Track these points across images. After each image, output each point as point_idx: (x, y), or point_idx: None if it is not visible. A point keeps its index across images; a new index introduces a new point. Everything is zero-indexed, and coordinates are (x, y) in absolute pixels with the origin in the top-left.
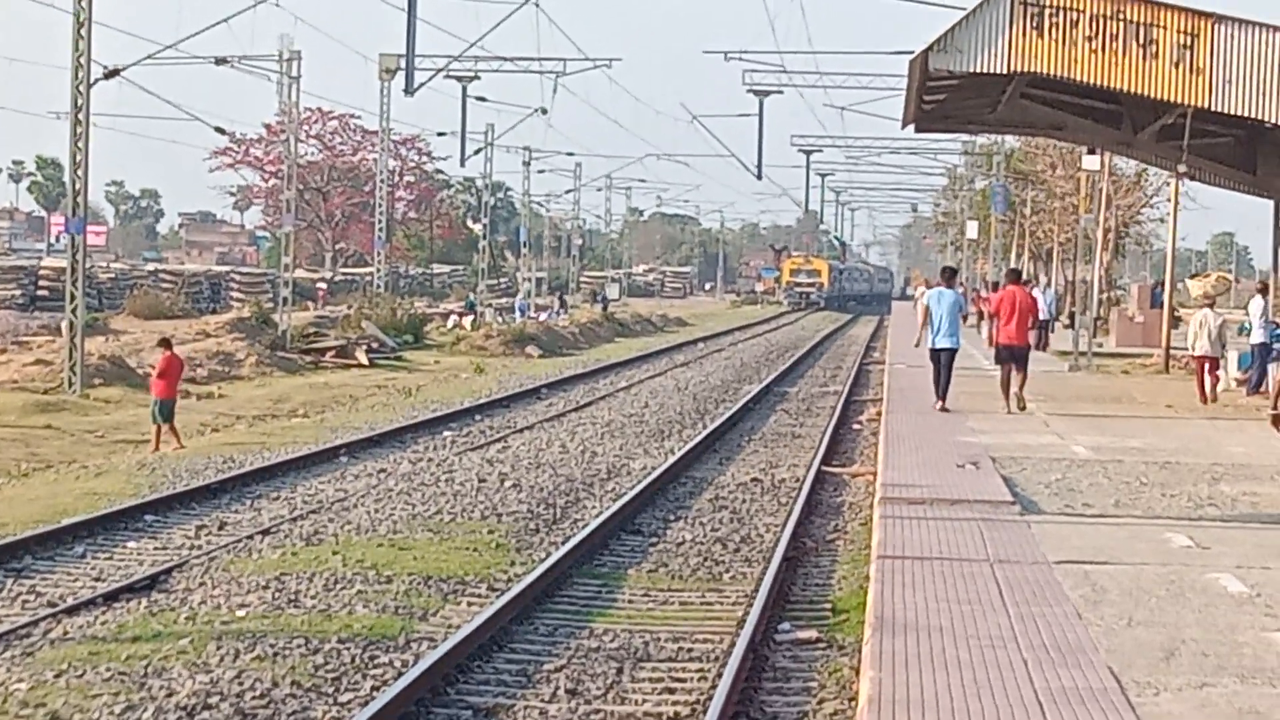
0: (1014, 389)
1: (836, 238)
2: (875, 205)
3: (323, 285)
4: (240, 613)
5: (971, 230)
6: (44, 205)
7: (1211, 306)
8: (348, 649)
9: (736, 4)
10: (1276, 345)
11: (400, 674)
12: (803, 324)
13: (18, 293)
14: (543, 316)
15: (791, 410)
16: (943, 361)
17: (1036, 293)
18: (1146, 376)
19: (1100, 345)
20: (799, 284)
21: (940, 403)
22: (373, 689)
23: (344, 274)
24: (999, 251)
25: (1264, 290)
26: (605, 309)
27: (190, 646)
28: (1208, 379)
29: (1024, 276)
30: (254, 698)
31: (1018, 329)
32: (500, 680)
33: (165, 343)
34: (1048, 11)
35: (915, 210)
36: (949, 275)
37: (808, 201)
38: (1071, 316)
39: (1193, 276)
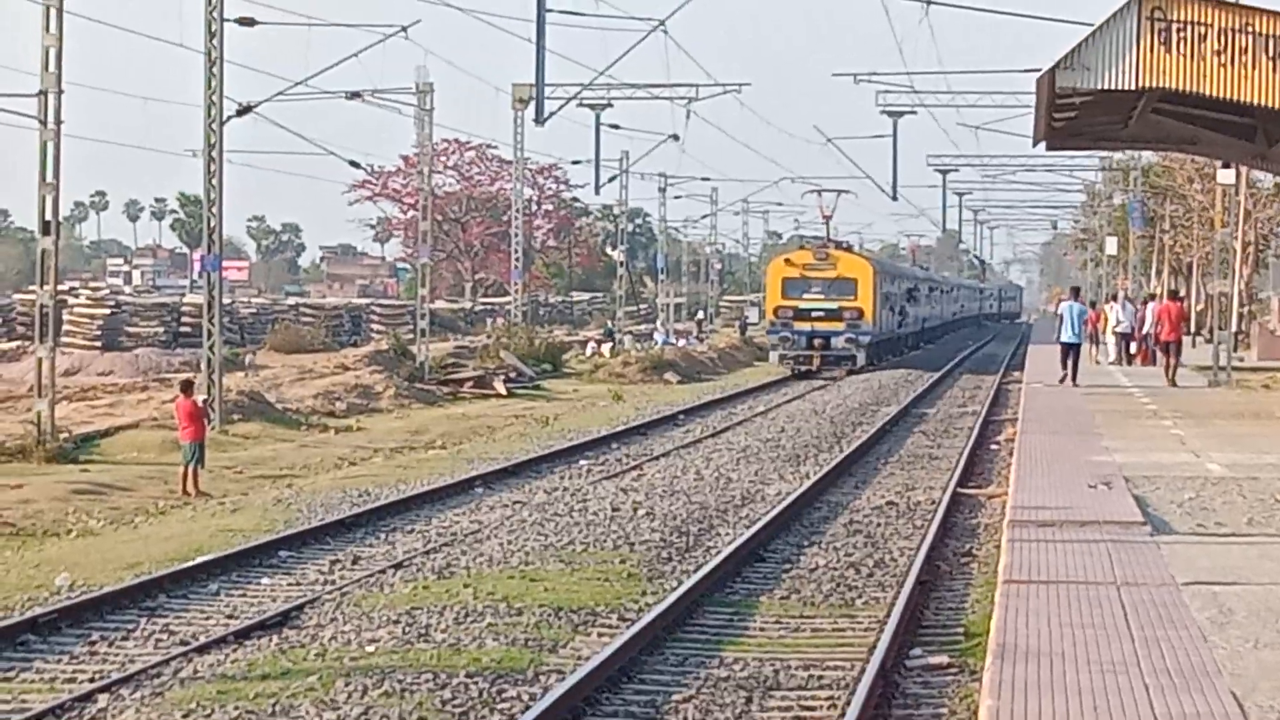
0: (1168, 372)
1: (976, 256)
2: (1014, 223)
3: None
4: (370, 648)
5: (1111, 246)
6: (186, 242)
7: None
8: (475, 683)
9: (863, 27)
10: None
11: (528, 708)
12: (945, 340)
13: (160, 330)
14: (681, 343)
15: (929, 431)
16: (1071, 352)
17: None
18: None
19: (1240, 360)
20: (800, 313)
21: (1066, 380)
22: None
23: (484, 303)
24: (1138, 267)
25: None
26: (744, 333)
27: (319, 684)
28: None
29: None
30: None
31: (1172, 330)
32: (629, 712)
33: (186, 386)
34: (1175, 26)
35: (1055, 227)
36: (1075, 292)
37: (945, 221)
38: (1211, 331)
39: None
